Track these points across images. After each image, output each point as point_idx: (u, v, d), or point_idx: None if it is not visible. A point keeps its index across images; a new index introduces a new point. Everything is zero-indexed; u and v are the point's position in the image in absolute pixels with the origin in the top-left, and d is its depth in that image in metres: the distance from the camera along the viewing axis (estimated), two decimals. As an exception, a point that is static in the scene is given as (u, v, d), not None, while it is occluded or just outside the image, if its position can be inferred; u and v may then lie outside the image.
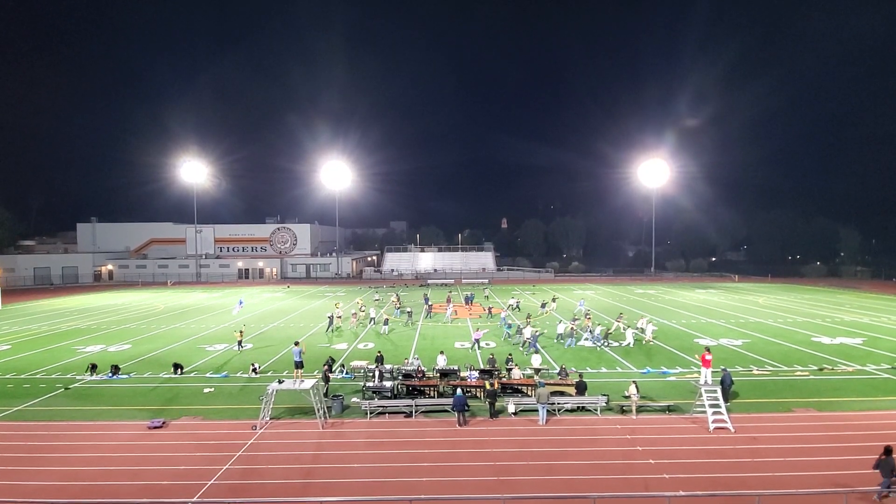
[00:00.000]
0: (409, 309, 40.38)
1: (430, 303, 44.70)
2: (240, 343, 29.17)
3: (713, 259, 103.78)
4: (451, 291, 58.03)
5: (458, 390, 18.05)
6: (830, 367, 23.80)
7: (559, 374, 21.49)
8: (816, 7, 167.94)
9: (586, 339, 30.00)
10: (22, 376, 23.67)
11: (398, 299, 47.11)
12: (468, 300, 49.21)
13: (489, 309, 41.61)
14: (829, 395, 19.74)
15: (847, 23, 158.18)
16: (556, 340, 30.31)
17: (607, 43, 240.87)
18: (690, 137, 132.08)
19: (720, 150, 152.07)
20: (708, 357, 19.85)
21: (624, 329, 31.15)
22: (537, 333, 28.82)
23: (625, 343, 29.22)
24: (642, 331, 31.22)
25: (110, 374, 23.43)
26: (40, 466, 14.23)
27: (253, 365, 24.19)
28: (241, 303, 31.03)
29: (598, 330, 30.36)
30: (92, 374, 23.48)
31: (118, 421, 17.82)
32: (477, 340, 29.44)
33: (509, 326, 32.65)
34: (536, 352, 26.29)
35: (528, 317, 34.84)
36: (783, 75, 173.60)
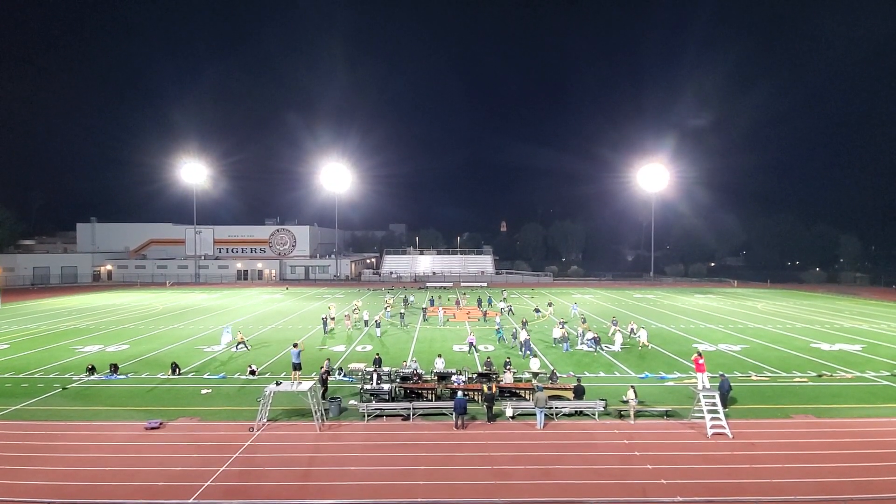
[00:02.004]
0: (402, 311, 40.41)
1: (434, 304, 44.79)
2: (242, 343, 29.11)
3: (712, 264, 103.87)
4: (464, 294, 58.26)
5: (459, 393, 18.02)
6: (829, 374, 23.79)
7: (550, 378, 21.45)
8: (818, 14, 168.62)
9: (582, 343, 30.04)
10: (20, 376, 23.62)
11: (405, 302, 47.59)
12: (480, 303, 48.70)
13: (485, 313, 41.59)
14: (828, 402, 19.72)
15: (848, 31, 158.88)
16: (553, 344, 30.33)
17: (609, 47, 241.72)
18: (690, 142, 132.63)
19: (720, 155, 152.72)
20: (700, 361, 19.84)
21: (612, 334, 31.21)
22: (528, 338, 28.90)
23: (613, 348, 29.23)
24: (632, 333, 31.18)
25: (110, 374, 23.40)
26: (37, 466, 14.18)
27: (250, 366, 24.15)
28: (227, 331, 30.65)
29: (588, 335, 30.34)
30: (90, 376, 23.43)
31: (115, 421, 17.79)
32: (472, 344, 29.45)
33: (500, 331, 32.64)
34: (535, 355, 26.29)
35: (524, 321, 34.87)
36: (784, 82, 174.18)
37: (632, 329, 31.73)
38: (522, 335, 28.89)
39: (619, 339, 29.72)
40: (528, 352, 27.40)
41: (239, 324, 38.92)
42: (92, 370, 23.71)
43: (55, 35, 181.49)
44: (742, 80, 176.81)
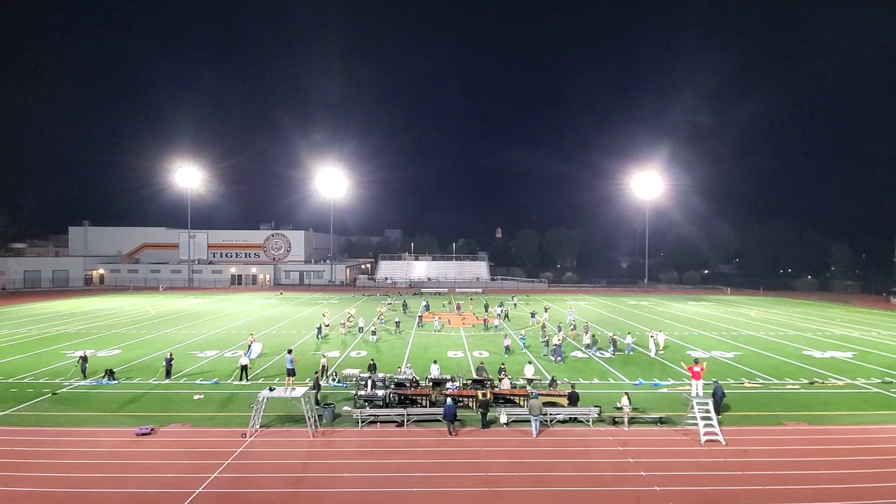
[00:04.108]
0: (397, 319, 40.40)
1: (429, 310, 44.83)
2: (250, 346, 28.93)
3: (706, 271, 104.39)
4: (470, 299, 58.77)
5: (448, 400, 17.95)
6: (821, 381, 23.94)
7: (550, 384, 21.49)
8: (810, 25, 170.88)
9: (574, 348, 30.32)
10: (9, 380, 23.36)
11: (405, 307, 48.96)
12: (487, 308, 48.75)
13: (485, 320, 41.53)
14: (820, 409, 19.83)
15: (841, 42, 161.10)
16: (584, 350, 30.45)
17: (604, 55, 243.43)
18: (685, 150, 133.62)
19: (714, 163, 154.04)
20: (696, 369, 19.90)
21: (613, 339, 31.51)
22: (559, 343, 28.99)
23: (651, 354, 29.64)
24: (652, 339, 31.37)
25: (106, 380, 23.19)
26: (26, 472, 14.00)
27: (246, 354, 24.11)
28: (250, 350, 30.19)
29: (558, 337, 30.45)
30: (83, 375, 23.45)
31: (106, 427, 17.60)
32: (507, 347, 29.84)
33: (523, 338, 32.72)
34: (562, 360, 27.24)
35: (544, 326, 35.09)
36: (777, 91, 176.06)
37: (653, 336, 31.77)
38: (555, 339, 28.95)
39: (652, 343, 30.16)
40: (560, 358, 27.58)
41: (233, 328, 38.74)
42: (84, 360, 23.88)
43: (48, 37, 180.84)
44: (735, 89, 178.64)
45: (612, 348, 29.92)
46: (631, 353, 30.03)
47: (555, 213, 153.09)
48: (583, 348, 30.92)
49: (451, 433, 16.95)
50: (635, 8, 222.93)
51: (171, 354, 24.70)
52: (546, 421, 17.89)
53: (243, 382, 23.21)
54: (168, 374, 23.80)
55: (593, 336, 31.37)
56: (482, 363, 24.69)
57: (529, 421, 17.31)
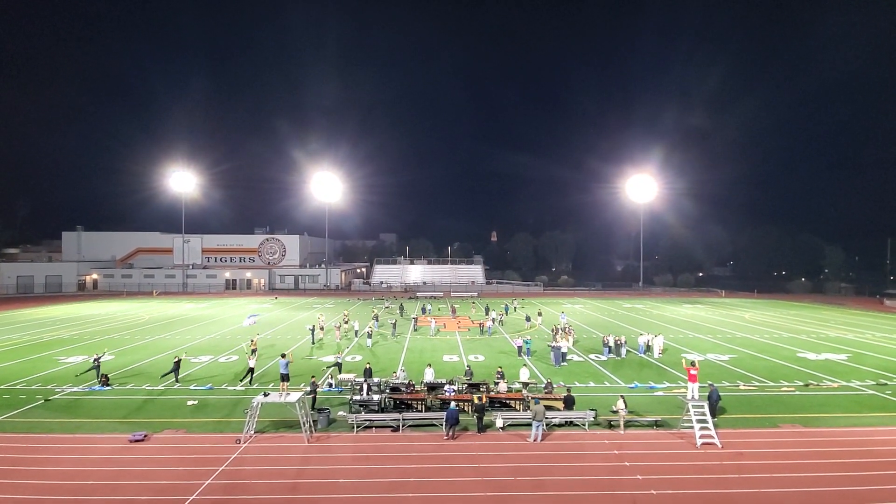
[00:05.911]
0: (392, 320, 40.37)
1: (425, 313, 44.94)
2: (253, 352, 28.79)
3: (700, 274, 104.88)
4: (473, 303, 59.25)
5: (452, 403, 17.93)
6: (816, 383, 24.03)
7: (545, 388, 21.46)
8: (804, 31, 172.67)
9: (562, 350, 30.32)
10: (1, 387, 23.12)
11: (401, 310, 49.61)
12: (487, 311, 49.11)
13: (481, 324, 41.50)
14: (815, 411, 19.90)
15: (834, 48, 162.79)
16: (606, 355, 30.39)
17: (599, 60, 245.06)
18: (679, 154, 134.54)
19: (708, 167, 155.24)
20: (693, 371, 19.94)
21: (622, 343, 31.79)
22: (559, 346, 29.00)
23: (655, 355, 30.01)
24: (648, 344, 31.37)
25: (100, 386, 23.00)
26: (18, 480, 13.84)
27: (249, 356, 24.01)
28: (251, 317, 30.69)
29: (563, 343, 30.51)
30: (99, 377, 23.80)
31: (99, 434, 17.44)
32: (519, 348, 30.10)
33: (528, 342, 32.75)
34: (565, 364, 27.35)
35: (554, 330, 35.17)
36: (771, 97, 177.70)
37: (648, 340, 31.74)
38: (564, 345, 28.90)
39: (657, 345, 30.51)
40: (564, 363, 27.54)
41: (227, 333, 38.53)
42: (97, 363, 24.24)
43: (42, 41, 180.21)
44: (729, 93, 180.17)
45: (623, 350, 30.17)
46: (642, 353, 30.44)
47: (550, 216, 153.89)
48: (604, 354, 30.77)
49: (449, 437, 16.90)
50: (630, 14, 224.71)
51: (178, 358, 24.91)
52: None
53: (238, 388, 23.04)
54: (176, 376, 24.14)
55: (613, 341, 31.49)
56: (469, 366, 24.66)
57: (526, 425, 17.29)
